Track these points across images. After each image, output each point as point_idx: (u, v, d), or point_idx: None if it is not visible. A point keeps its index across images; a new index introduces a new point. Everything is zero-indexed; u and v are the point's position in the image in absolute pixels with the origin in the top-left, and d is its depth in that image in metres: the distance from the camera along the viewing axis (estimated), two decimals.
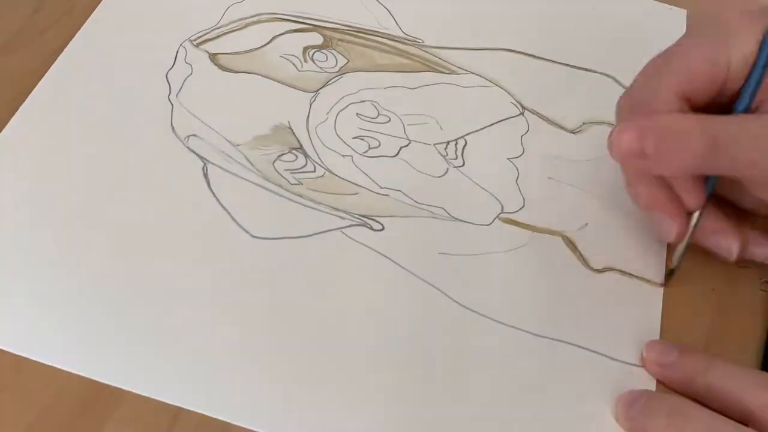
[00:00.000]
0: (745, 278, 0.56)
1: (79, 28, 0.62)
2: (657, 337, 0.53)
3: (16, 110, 0.58)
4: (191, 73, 0.61)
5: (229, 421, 0.47)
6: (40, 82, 0.59)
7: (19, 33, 0.62)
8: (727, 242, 0.54)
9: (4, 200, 0.54)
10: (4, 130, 0.57)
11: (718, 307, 0.55)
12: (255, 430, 0.47)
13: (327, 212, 0.56)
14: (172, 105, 0.59)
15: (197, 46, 0.63)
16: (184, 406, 0.47)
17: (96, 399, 0.47)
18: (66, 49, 0.61)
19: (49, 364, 0.47)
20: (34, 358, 0.47)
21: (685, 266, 0.55)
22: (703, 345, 0.53)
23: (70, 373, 0.47)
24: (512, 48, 0.67)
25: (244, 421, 0.47)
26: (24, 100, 0.58)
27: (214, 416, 0.47)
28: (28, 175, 0.55)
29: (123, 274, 0.51)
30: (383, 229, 0.56)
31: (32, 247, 0.52)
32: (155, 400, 0.47)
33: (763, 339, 0.54)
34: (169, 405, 0.47)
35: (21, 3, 0.63)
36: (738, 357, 0.53)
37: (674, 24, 0.71)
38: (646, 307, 0.55)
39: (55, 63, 0.60)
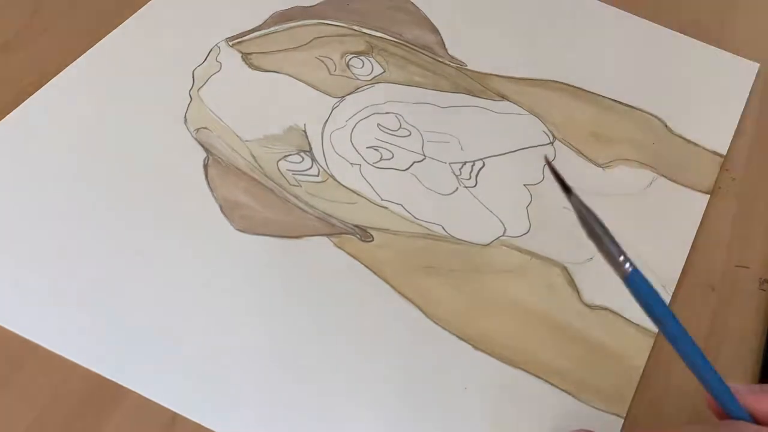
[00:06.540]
0: (745, 278, 0.55)
1: (78, 29, 0.61)
2: (633, 387, 0.49)
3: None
4: (218, 71, 0.60)
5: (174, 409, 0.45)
6: (75, 61, 0.59)
7: (19, 33, 0.61)
8: None
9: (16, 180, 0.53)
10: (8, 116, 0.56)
11: (718, 307, 0.53)
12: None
13: (319, 217, 0.54)
14: (190, 98, 0.58)
15: (232, 45, 0.62)
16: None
17: (94, 401, 0.45)
18: (107, 37, 0.61)
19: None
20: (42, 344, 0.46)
21: (684, 266, 0.54)
22: (703, 345, 0.49)
23: (68, 374, 0.45)
24: (560, 80, 0.64)
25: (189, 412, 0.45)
26: (24, 100, 0.56)
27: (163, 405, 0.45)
28: (37, 160, 0.54)
29: (112, 262, 0.50)
30: (372, 240, 0.53)
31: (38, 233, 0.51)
32: (153, 403, 0.45)
33: (763, 339, 0.52)
34: (167, 408, 0.45)
35: (21, 3, 0.63)
36: (738, 357, 0.51)
37: (741, 76, 0.67)
38: (631, 353, 0.50)
39: (93, 48, 0.60)
